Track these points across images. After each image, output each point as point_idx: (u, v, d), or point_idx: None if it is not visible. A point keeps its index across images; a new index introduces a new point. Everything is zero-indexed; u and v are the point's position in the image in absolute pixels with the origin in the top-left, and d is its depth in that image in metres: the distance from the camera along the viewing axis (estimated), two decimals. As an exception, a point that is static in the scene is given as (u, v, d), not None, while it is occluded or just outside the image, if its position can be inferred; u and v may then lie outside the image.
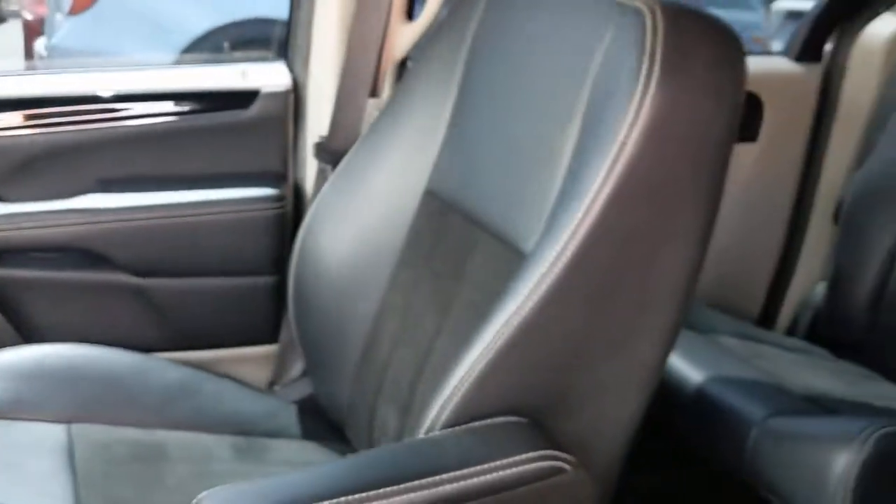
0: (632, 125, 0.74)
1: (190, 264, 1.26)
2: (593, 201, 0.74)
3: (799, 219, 1.74)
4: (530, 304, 0.74)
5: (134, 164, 1.24)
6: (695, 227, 0.79)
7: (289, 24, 1.31)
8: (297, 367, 1.26)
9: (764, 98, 1.67)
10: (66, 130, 1.20)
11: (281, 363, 1.29)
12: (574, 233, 0.74)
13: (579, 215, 0.74)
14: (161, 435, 1.02)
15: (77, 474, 0.93)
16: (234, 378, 1.17)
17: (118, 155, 1.22)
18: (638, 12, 0.78)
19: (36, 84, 1.28)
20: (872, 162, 1.56)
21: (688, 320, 1.16)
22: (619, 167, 0.74)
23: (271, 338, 1.32)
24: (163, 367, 1.11)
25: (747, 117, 1.68)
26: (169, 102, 1.26)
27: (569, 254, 0.74)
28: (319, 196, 1.15)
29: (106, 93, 1.24)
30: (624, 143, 0.74)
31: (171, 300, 1.26)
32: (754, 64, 1.68)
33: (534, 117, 0.90)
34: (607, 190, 0.74)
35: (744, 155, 1.70)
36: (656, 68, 0.74)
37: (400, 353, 1.00)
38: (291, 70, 1.30)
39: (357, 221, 1.11)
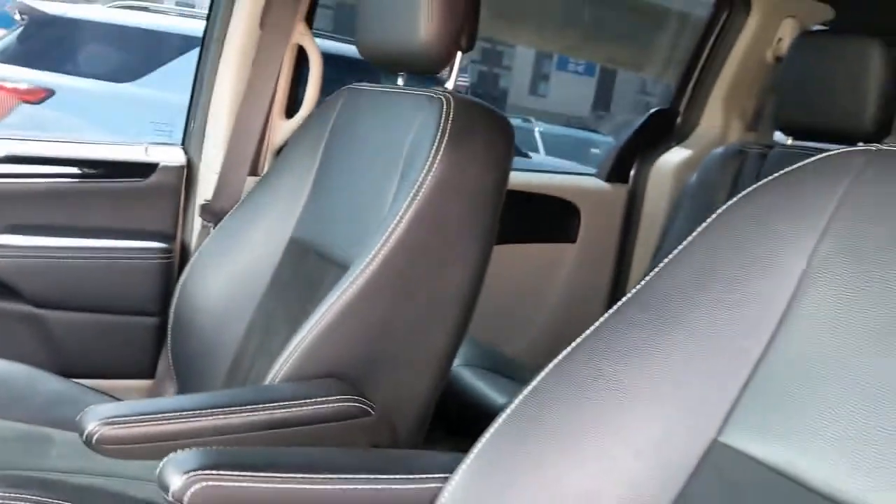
0: (425, 177, 1.06)
1: (85, 301, 1.48)
2: (395, 227, 1.04)
3: (612, 306, 2.09)
4: (345, 297, 1.03)
5: (47, 215, 1.48)
6: (473, 254, 1.10)
7: (188, 115, 1.61)
8: (169, 394, 1.47)
9: (581, 208, 2.05)
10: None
11: (155, 394, 1.50)
12: (380, 248, 1.04)
13: (385, 236, 1.04)
14: (47, 430, 1.20)
15: None
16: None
17: (34, 205, 1.47)
18: (438, 101, 1.12)
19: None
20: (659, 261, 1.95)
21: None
22: (415, 205, 1.05)
23: (149, 373, 1.53)
24: (49, 378, 1.30)
25: (568, 223, 2.06)
26: (83, 168, 1.52)
27: (376, 262, 1.04)
28: (201, 248, 1.42)
29: (29, 155, 1.51)
30: (419, 189, 1.05)
31: (65, 331, 1.46)
32: (575, 181, 2.20)
33: (370, 177, 1.21)
34: (405, 221, 1.05)
35: (566, 253, 2.06)
36: (445, 139, 1.07)
37: (259, 362, 1.24)
38: (186, 151, 1.59)
39: (232, 266, 1.38)
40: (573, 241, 2.05)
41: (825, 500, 0.58)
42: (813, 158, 0.73)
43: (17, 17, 4.72)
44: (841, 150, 0.72)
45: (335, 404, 0.96)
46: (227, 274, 1.38)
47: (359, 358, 1.04)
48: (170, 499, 0.70)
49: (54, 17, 4.59)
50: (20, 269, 1.44)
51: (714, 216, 0.76)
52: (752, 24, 1.96)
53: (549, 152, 7.80)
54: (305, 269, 1.28)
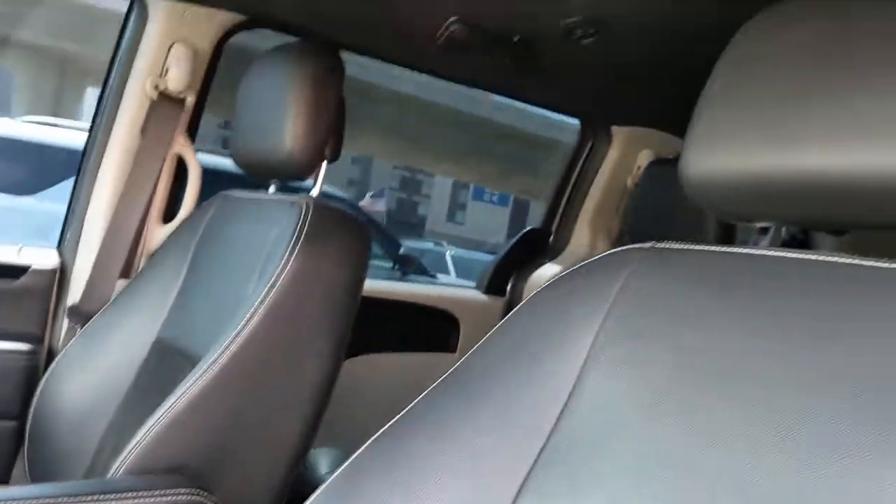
0: (279, 275, 1.11)
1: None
2: (247, 322, 1.09)
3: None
4: (192, 390, 1.05)
5: None
6: (326, 350, 1.15)
7: (65, 218, 1.64)
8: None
9: (461, 319, 2.13)
10: None
11: (9, 501, 1.45)
12: (231, 342, 1.08)
13: (236, 330, 1.08)
14: None
15: None
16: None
17: None
18: (299, 206, 1.19)
19: None
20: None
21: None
22: (268, 301, 1.10)
23: (2, 479, 1.48)
24: None
25: (448, 333, 2.13)
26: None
27: (225, 355, 1.07)
28: (66, 350, 1.42)
29: None
30: (273, 286, 1.11)
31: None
32: (455, 293, 2.29)
33: (233, 278, 1.25)
34: (257, 316, 1.09)
35: (445, 362, 2.12)
36: (301, 240, 1.14)
37: (112, 461, 1.23)
38: (61, 254, 1.61)
39: (95, 368, 1.39)
40: (453, 350, 2.11)
41: None
42: (604, 254, 0.83)
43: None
44: (624, 248, 0.82)
45: (172, 497, 0.97)
46: (89, 376, 1.38)
47: (205, 450, 1.06)
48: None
49: (-46, 129, 4.57)
50: None
51: (525, 300, 0.84)
52: (612, 154, 2.15)
53: (459, 274, 7.98)
54: (167, 367, 1.30)
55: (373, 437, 0.79)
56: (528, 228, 2.27)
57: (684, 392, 0.67)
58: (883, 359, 0.57)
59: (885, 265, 0.62)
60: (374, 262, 5.46)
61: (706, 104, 0.74)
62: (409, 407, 0.80)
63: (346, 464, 0.77)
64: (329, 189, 5.68)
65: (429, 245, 8.80)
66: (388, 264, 4.91)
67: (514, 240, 2.25)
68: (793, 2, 0.72)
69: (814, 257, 0.68)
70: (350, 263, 1.18)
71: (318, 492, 0.76)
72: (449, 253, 8.86)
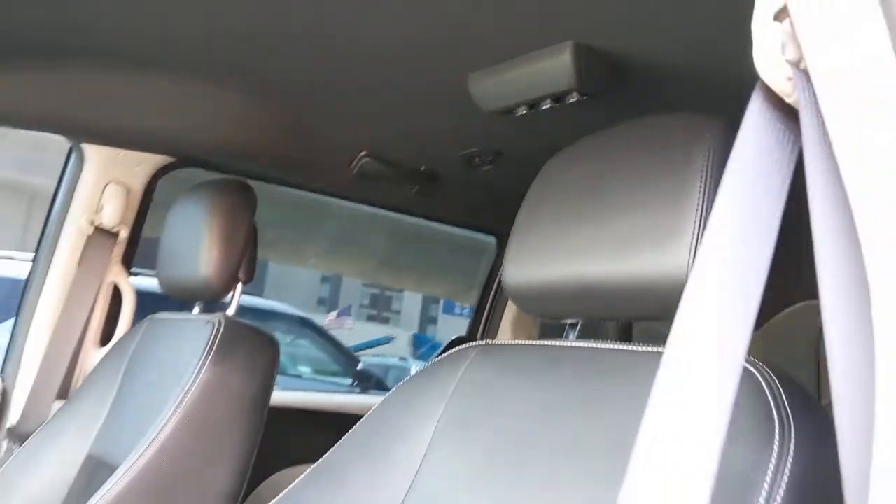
0: (191, 385, 1.25)
1: None
2: (160, 430, 1.21)
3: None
4: (107, 497, 1.16)
5: None
6: (237, 453, 1.27)
7: (8, 345, 1.77)
8: None
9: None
10: None
11: None
12: (145, 450, 1.20)
13: (150, 439, 1.20)
14: None
15: None
16: None
17: None
18: (212, 323, 1.34)
19: None
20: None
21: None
22: (180, 411, 1.23)
23: None
24: None
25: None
26: None
27: (140, 463, 1.19)
28: (2, 469, 1.52)
29: None
30: (185, 396, 1.24)
31: None
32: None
33: (155, 393, 1.38)
34: (170, 424, 1.22)
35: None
36: (212, 353, 1.28)
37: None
38: (2, 379, 1.73)
39: (28, 486, 1.48)
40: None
41: None
42: (449, 352, 0.98)
43: None
44: (464, 346, 0.97)
45: None
46: (23, 494, 1.47)
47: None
48: None
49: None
50: None
51: (381, 400, 0.98)
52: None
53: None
54: (96, 481, 1.40)
55: None
56: (454, 337, 2.42)
57: (499, 453, 0.82)
58: (609, 429, 0.73)
59: (628, 348, 0.78)
60: (334, 379, 5.52)
61: (518, 226, 0.92)
62: (282, 493, 0.93)
63: None
64: (284, 308, 5.82)
65: (393, 361, 8.87)
66: (348, 381, 5.00)
67: (440, 349, 2.38)
68: (580, 145, 0.90)
69: (595, 346, 0.84)
70: (258, 370, 1.32)
71: None
72: (414, 367, 8.92)
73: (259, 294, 6.86)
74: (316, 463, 0.95)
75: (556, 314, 0.90)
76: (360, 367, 5.14)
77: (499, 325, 2.37)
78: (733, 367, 0.48)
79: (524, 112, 1.23)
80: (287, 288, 12.00)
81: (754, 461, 0.58)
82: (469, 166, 1.72)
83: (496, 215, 2.08)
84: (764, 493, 0.56)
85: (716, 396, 0.47)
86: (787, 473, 0.57)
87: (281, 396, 1.81)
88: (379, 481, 0.89)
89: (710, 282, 0.48)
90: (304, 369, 5.65)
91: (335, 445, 0.95)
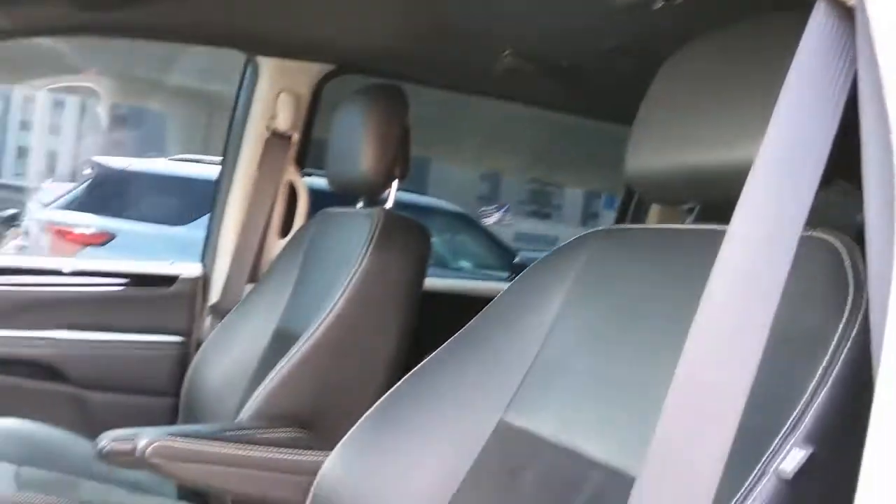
0: (356, 270, 1.44)
1: (117, 383, 1.86)
2: (333, 307, 1.42)
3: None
4: (293, 360, 1.39)
5: (87, 315, 1.89)
6: (395, 330, 1.46)
7: (206, 237, 2.05)
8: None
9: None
10: (38, 290, 1.89)
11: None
12: (321, 323, 1.41)
13: (325, 314, 1.41)
14: (76, 479, 1.55)
15: None
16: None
17: (76, 308, 1.89)
18: (371, 215, 1.51)
19: (35, 261, 1.97)
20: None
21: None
22: (348, 291, 1.42)
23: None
24: (85, 442, 1.65)
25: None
26: (123, 279, 1.95)
27: (316, 333, 1.40)
28: (208, 340, 1.81)
29: (78, 269, 1.95)
30: (351, 279, 1.43)
31: (100, 407, 1.84)
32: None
33: (327, 275, 1.58)
34: (340, 301, 1.42)
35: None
36: (372, 243, 1.46)
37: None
38: (204, 265, 2.01)
39: (229, 354, 1.76)
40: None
41: (568, 455, 0.87)
42: (574, 238, 1.10)
43: (87, 170, 5.40)
44: (588, 231, 1.08)
45: (279, 433, 1.30)
46: (226, 360, 1.75)
47: (302, 404, 1.39)
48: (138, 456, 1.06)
49: (119, 170, 5.27)
50: (66, 358, 1.85)
51: (518, 276, 1.11)
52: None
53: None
54: (282, 351, 1.65)
55: (402, 380, 1.08)
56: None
57: (615, 326, 0.93)
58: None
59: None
60: (492, 272, 5.73)
61: (640, 117, 0.99)
62: (431, 355, 1.09)
63: (383, 399, 1.07)
64: (445, 205, 6.04)
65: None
66: (505, 274, 5.19)
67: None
68: (710, 38, 0.96)
69: (711, 228, 0.92)
70: (411, 260, 1.49)
71: (367, 414, 1.07)
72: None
73: (422, 192, 7.14)
74: (460, 331, 1.10)
75: (673, 199, 0.98)
76: (517, 260, 5.32)
77: (645, 217, 2.43)
78: (789, 236, 0.56)
79: (661, 5, 1.28)
80: (448, 186, 12.32)
81: (825, 322, 0.66)
82: (609, 61, 1.76)
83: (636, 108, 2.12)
84: (830, 351, 0.65)
85: (771, 262, 0.56)
86: (855, 333, 0.65)
87: (435, 283, 2.00)
88: (513, 346, 1.03)
89: (774, 161, 0.57)
90: (465, 263, 5.90)
91: (473, 320, 1.10)
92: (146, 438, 1.11)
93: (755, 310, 0.57)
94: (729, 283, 0.58)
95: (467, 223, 6.17)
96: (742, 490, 0.61)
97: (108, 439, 1.24)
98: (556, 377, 0.96)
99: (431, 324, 1.57)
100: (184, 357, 1.91)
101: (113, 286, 1.95)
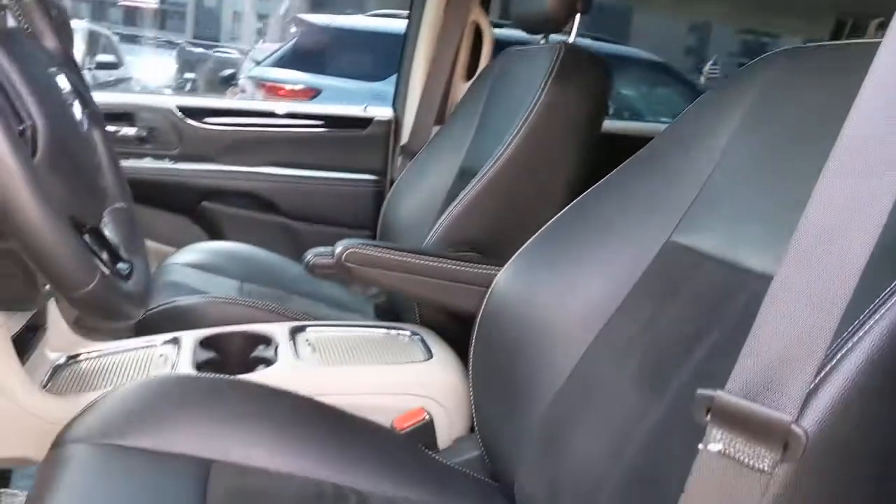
0: (532, 108, 1.47)
1: (321, 216, 2.06)
2: (512, 138, 1.46)
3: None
4: (474, 190, 1.46)
5: (294, 154, 2.08)
6: (572, 160, 1.49)
7: (396, 82, 2.15)
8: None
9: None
10: (258, 130, 2.08)
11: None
12: (500, 155, 1.46)
13: (503, 148, 1.46)
14: (290, 294, 1.77)
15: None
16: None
17: (285, 147, 2.07)
18: (552, 50, 1.52)
19: (249, 105, 2.18)
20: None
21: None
22: (528, 122, 1.46)
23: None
24: (295, 265, 1.86)
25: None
26: (323, 122, 2.11)
27: (497, 164, 1.46)
28: (398, 179, 1.93)
29: (286, 111, 2.13)
30: (528, 117, 1.46)
31: (306, 237, 2.05)
32: None
33: (509, 112, 1.63)
34: (520, 133, 1.46)
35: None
36: (552, 77, 1.48)
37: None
38: (395, 109, 2.12)
39: (419, 190, 1.87)
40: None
41: (730, 268, 0.86)
42: (758, 58, 1.06)
43: (293, 29, 5.67)
44: (774, 52, 1.03)
45: (460, 253, 1.41)
46: (415, 196, 1.87)
47: (482, 232, 1.48)
48: (335, 259, 1.21)
49: (323, 27, 5.49)
50: (278, 192, 2.05)
51: (698, 99, 1.10)
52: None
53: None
54: (467, 184, 1.74)
55: (571, 205, 1.12)
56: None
57: (792, 147, 0.91)
58: None
59: None
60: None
61: None
62: (600, 182, 1.12)
63: (555, 219, 1.12)
64: (643, 54, 5.79)
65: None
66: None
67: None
68: None
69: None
70: (590, 97, 1.49)
71: (539, 233, 1.12)
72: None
73: (624, 42, 6.85)
74: (642, 150, 1.10)
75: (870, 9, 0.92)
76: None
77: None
78: None
79: None
80: (652, 38, 11.69)
81: None
82: None
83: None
84: None
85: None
86: None
87: (615, 125, 1.99)
88: (686, 167, 1.03)
89: None
90: (663, 117, 5.69)
91: (651, 141, 1.10)
92: (342, 246, 1.26)
93: None
94: (880, 88, 0.57)
95: (668, 74, 5.88)
96: (882, 296, 0.62)
97: (313, 254, 1.40)
98: (725, 197, 0.96)
99: (608, 165, 1.58)
100: (379, 194, 2.06)
101: (315, 128, 2.12)
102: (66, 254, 0.65)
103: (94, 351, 1.29)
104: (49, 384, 1.18)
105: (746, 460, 0.58)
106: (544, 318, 1.03)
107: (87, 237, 0.76)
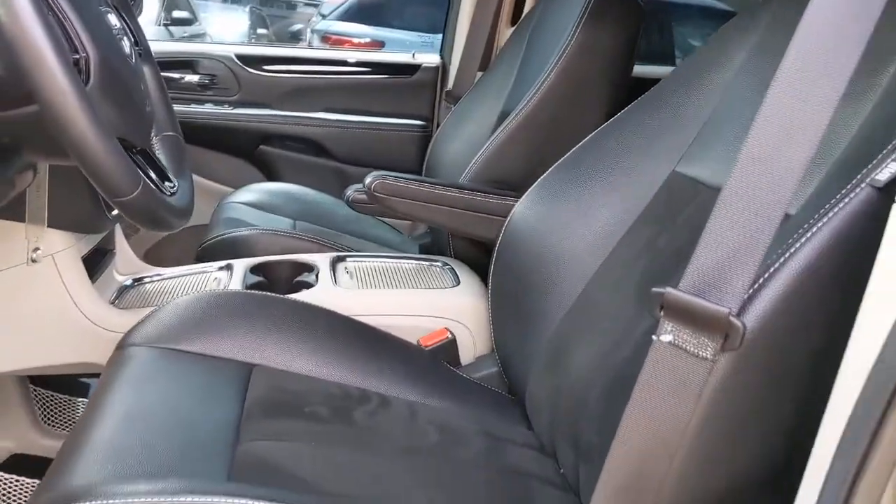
0: (565, 48, 1.52)
1: (371, 159, 2.16)
2: (545, 79, 1.52)
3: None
4: (507, 129, 1.53)
5: (346, 100, 2.18)
6: (605, 98, 1.55)
7: (443, 31, 2.22)
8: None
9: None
10: (312, 77, 2.19)
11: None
12: (532, 96, 1.53)
13: (537, 85, 1.53)
14: (340, 233, 1.88)
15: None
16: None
17: (337, 94, 2.18)
18: None
19: (304, 53, 2.29)
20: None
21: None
22: (561, 62, 1.52)
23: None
24: (346, 207, 1.98)
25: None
26: (372, 68, 2.20)
27: (530, 104, 1.53)
28: (443, 122, 2.01)
29: (340, 59, 2.23)
30: (560, 57, 1.52)
31: (356, 180, 2.16)
32: None
33: (546, 53, 1.69)
34: (553, 74, 1.52)
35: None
36: (584, 18, 1.53)
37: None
38: (441, 56, 2.19)
39: (461, 134, 1.95)
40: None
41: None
42: None
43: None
44: None
45: (491, 190, 1.49)
46: (458, 140, 1.95)
47: (515, 172, 1.55)
48: (366, 189, 1.31)
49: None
50: (330, 136, 2.17)
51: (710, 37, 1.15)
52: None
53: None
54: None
55: (588, 139, 1.19)
56: None
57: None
58: None
59: None
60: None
61: None
62: (614, 118, 1.18)
63: (572, 152, 1.19)
64: (712, 2, 5.65)
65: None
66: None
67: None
68: None
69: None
70: (621, 39, 1.54)
71: (558, 164, 1.19)
72: None
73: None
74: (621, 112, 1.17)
75: None
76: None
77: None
78: None
79: None
80: (724, -14, 11.29)
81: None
82: None
83: None
84: None
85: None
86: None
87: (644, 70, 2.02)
88: (693, 102, 1.08)
89: None
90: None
91: (662, 79, 1.16)
92: (371, 177, 1.36)
93: (851, 28, 0.62)
94: (818, 14, 0.62)
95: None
96: (837, 196, 0.68)
97: (352, 189, 1.51)
98: (726, 127, 1.01)
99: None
100: (425, 139, 2.15)
101: (366, 75, 2.22)
102: (112, 162, 0.77)
103: (157, 275, 1.43)
104: (116, 301, 1.32)
105: (692, 349, 0.66)
106: (555, 247, 1.11)
107: (137, 156, 0.87)
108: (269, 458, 0.86)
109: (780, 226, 0.71)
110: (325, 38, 5.65)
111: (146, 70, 1.11)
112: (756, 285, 0.67)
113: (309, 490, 0.82)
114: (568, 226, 1.12)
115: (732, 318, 0.64)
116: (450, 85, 2.15)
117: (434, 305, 1.30)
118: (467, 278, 1.38)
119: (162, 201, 0.87)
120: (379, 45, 5.36)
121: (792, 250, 0.68)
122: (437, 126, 2.16)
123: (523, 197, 1.20)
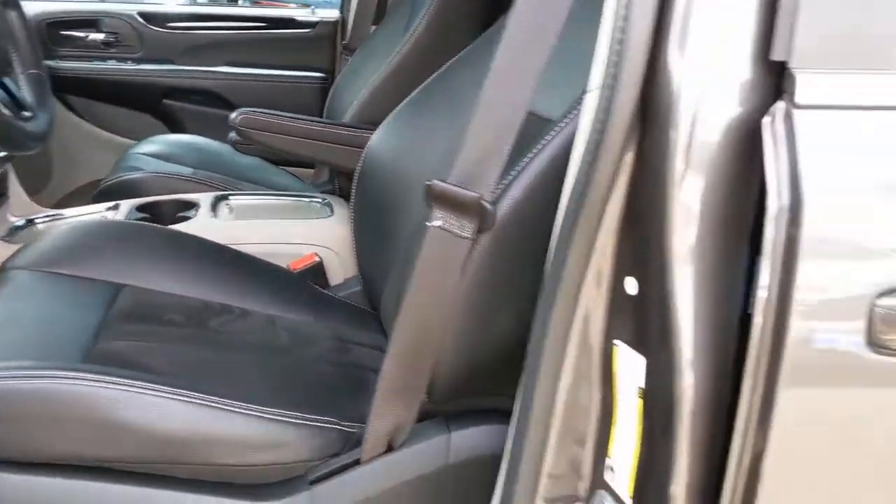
0: (435, -4, 1.63)
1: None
2: (417, 28, 1.63)
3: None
4: (385, 70, 1.64)
5: (247, 55, 2.27)
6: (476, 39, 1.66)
7: (342, -14, 2.32)
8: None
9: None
10: (210, 33, 2.27)
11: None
12: (408, 39, 1.63)
13: (417, 23, 1.63)
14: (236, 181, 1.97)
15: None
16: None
17: (239, 48, 2.26)
18: None
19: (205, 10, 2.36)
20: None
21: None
22: (429, 13, 1.62)
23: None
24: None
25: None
26: (272, 24, 2.29)
27: (405, 48, 1.63)
28: (340, 74, 2.11)
29: (241, 15, 2.30)
30: (430, 5, 1.62)
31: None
32: None
33: (421, 8, 1.79)
34: (423, 24, 1.63)
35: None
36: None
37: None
38: (341, 11, 2.29)
39: (353, 85, 2.04)
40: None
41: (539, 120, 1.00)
42: None
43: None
44: None
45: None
46: (350, 90, 2.05)
47: (387, 111, 1.65)
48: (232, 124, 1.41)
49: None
50: (232, 89, 2.25)
51: None
52: None
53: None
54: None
55: (436, 74, 1.29)
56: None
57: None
58: None
59: None
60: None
61: None
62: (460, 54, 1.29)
63: (426, 84, 1.29)
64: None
65: None
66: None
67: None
68: None
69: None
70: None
71: (410, 97, 1.30)
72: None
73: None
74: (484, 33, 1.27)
75: None
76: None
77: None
78: None
79: None
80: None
81: None
82: None
83: None
84: None
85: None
86: None
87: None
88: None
89: None
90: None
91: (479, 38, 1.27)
92: (237, 112, 1.47)
93: None
94: None
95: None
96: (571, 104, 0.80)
97: (234, 133, 1.60)
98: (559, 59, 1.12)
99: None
100: (325, 90, 2.24)
101: (266, 30, 2.30)
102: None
103: (49, 216, 1.52)
104: (7, 238, 1.41)
105: (456, 231, 0.78)
106: (405, 171, 1.21)
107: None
108: (123, 353, 0.97)
109: (539, 129, 0.84)
110: None
111: (12, 15, 1.19)
112: (510, 177, 0.80)
113: (155, 374, 0.93)
114: (415, 156, 1.23)
115: (483, 203, 0.76)
116: (346, 39, 2.24)
117: (305, 234, 1.41)
118: (341, 210, 1.49)
119: (17, 127, 0.97)
120: None
121: (540, 147, 0.80)
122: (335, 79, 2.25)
123: (377, 130, 1.31)
